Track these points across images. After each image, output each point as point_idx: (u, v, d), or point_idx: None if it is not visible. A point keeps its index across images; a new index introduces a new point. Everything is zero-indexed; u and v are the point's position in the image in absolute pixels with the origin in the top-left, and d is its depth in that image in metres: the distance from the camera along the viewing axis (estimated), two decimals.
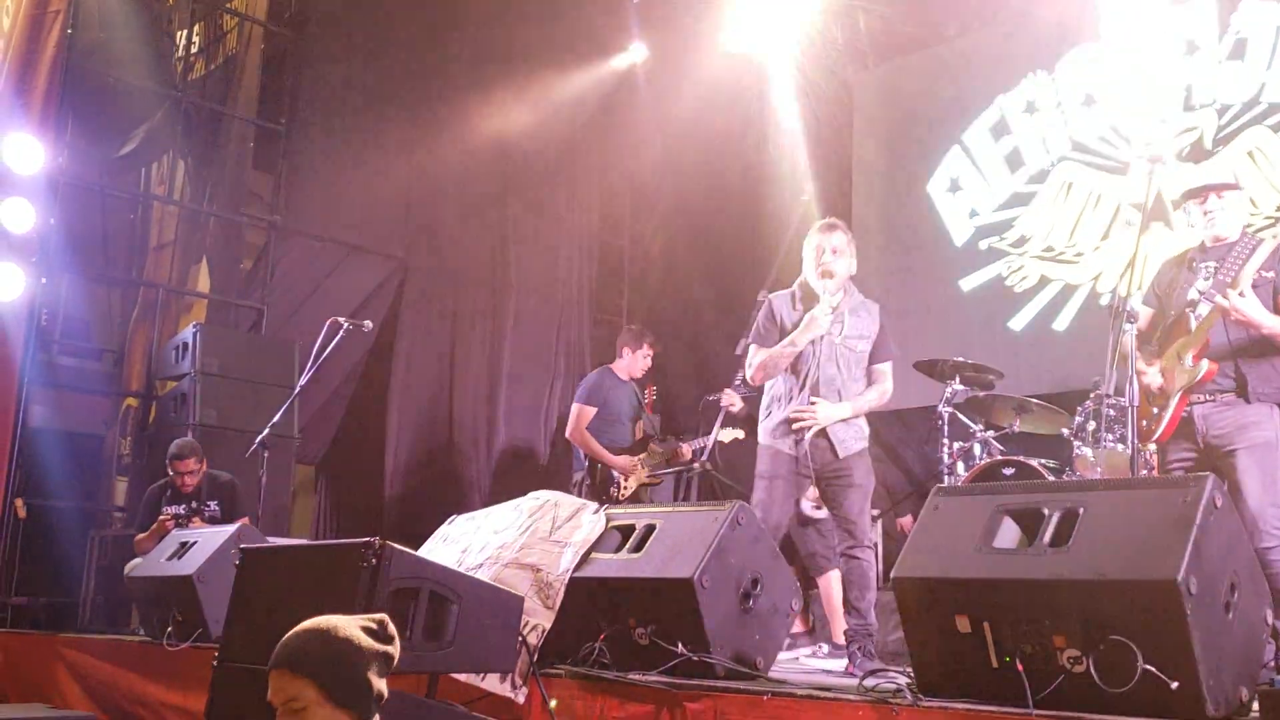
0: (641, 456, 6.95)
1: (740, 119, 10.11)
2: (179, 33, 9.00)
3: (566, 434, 7.36)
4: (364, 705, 2.13)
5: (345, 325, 6.34)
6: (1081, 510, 2.86)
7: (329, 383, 8.77)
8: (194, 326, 7.61)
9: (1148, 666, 2.57)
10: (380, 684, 2.15)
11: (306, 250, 8.90)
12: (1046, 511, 2.93)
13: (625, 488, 6.90)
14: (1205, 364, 3.98)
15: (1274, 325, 3.94)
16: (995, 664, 2.86)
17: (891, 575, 3.06)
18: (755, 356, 4.88)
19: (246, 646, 3.22)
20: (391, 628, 2.19)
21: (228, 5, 9.04)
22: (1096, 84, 8.03)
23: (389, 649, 2.17)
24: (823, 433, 4.63)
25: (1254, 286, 3.98)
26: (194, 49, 8.94)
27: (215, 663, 3.26)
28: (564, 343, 10.32)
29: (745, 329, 5.93)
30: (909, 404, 8.22)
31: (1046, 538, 2.87)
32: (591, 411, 7.04)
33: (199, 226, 8.61)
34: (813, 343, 4.67)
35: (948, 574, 2.98)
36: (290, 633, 2.16)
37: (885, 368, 4.82)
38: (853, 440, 4.69)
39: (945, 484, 6.54)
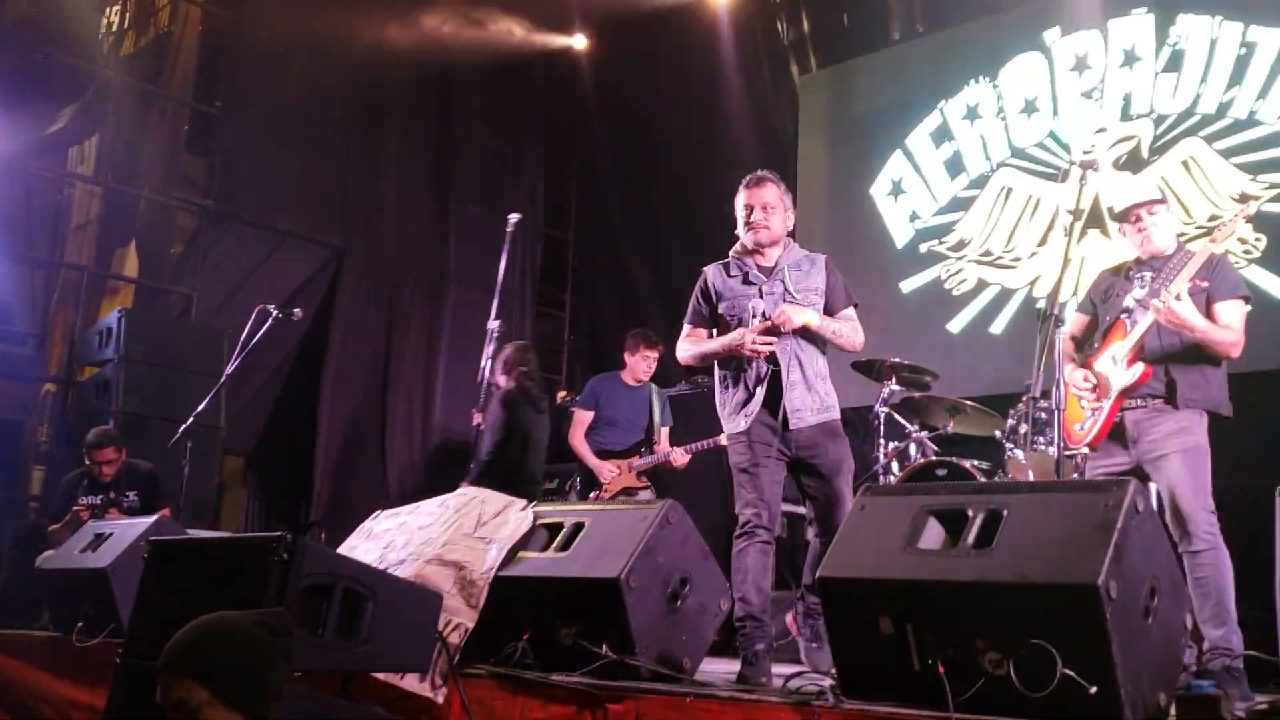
0: (633, 460, 6.86)
1: (686, 114, 10.11)
2: (109, 8, 8.78)
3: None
4: (259, 704, 2.05)
5: (274, 313, 6.21)
6: (1005, 512, 2.84)
7: (260, 373, 8.61)
8: (119, 312, 7.42)
9: (1067, 670, 2.55)
10: (277, 682, 2.07)
11: (240, 236, 8.72)
12: (970, 513, 2.90)
13: (607, 489, 6.83)
14: (1140, 367, 4.00)
15: (1206, 329, 3.96)
16: (917, 666, 2.83)
17: (816, 576, 3.02)
18: (684, 340, 4.57)
19: (153, 644, 3.10)
20: (288, 622, 2.11)
21: None
22: (1037, 92, 8.09)
23: (285, 645, 2.09)
24: (782, 409, 4.18)
25: (1189, 294, 4.00)
26: (125, 24, 8.70)
27: (118, 660, 3.14)
28: (504, 336, 10.17)
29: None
30: (846, 404, 8.23)
31: (970, 539, 2.85)
32: (586, 415, 7.01)
33: (125, 208, 8.40)
34: (756, 308, 4.30)
35: (872, 574, 2.94)
36: (181, 632, 2.08)
37: (848, 312, 4.41)
38: (808, 413, 4.22)
39: (875, 483, 6.56)
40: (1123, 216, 4.36)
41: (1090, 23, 7.84)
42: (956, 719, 2.65)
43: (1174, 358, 4.04)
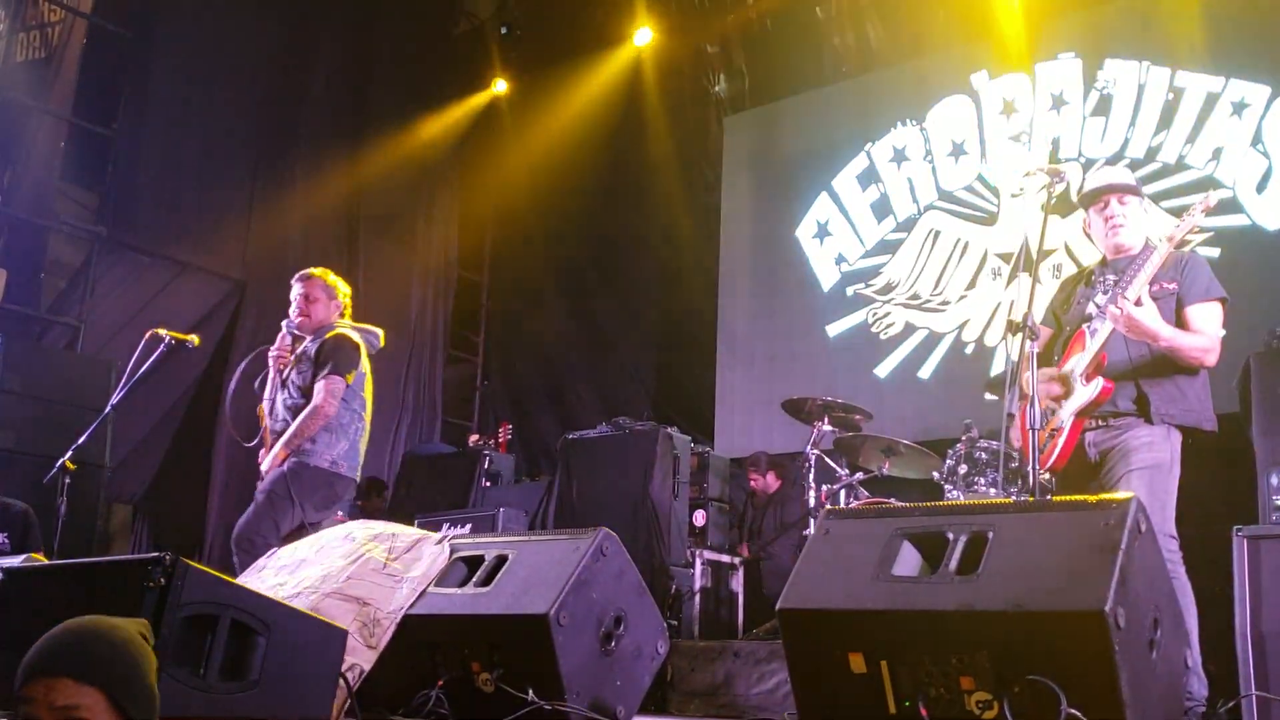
0: None
1: (609, 156, 9.87)
2: None
3: None
4: (150, 717, 1.82)
5: (167, 339, 5.69)
6: (991, 534, 2.54)
7: (152, 413, 8.06)
8: None
9: (1072, 710, 2.24)
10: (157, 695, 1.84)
11: (135, 265, 8.19)
12: (951, 536, 2.59)
13: None
14: (1099, 383, 3.66)
15: (1171, 337, 3.61)
16: (893, 709, 2.50)
17: (777, 607, 2.68)
18: None
19: (6, 681, 2.65)
20: (151, 633, 1.88)
21: None
22: (965, 135, 8.01)
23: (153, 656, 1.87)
24: None
25: (1154, 299, 3.66)
26: (11, 35, 8.17)
27: None
28: (414, 378, 9.78)
29: None
30: (773, 448, 7.99)
31: (953, 564, 2.53)
32: None
33: None
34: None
35: (840, 605, 2.61)
36: (61, 633, 1.80)
37: (318, 385, 4.90)
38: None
39: (812, 528, 6.27)
40: (1089, 201, 4.01)
41: (1017, 66, 7.80)
42: None
43: (1144, 370, 3.69)
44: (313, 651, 2.73)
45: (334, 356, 4.95)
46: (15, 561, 4.63)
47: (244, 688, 2.55)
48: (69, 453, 5.74)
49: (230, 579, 2.61)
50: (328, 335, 5.04)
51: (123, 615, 2.47)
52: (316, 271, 5.27)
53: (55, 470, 5.74)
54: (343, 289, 5.29)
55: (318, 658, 2.74)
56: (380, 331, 5.33)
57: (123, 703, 1.78)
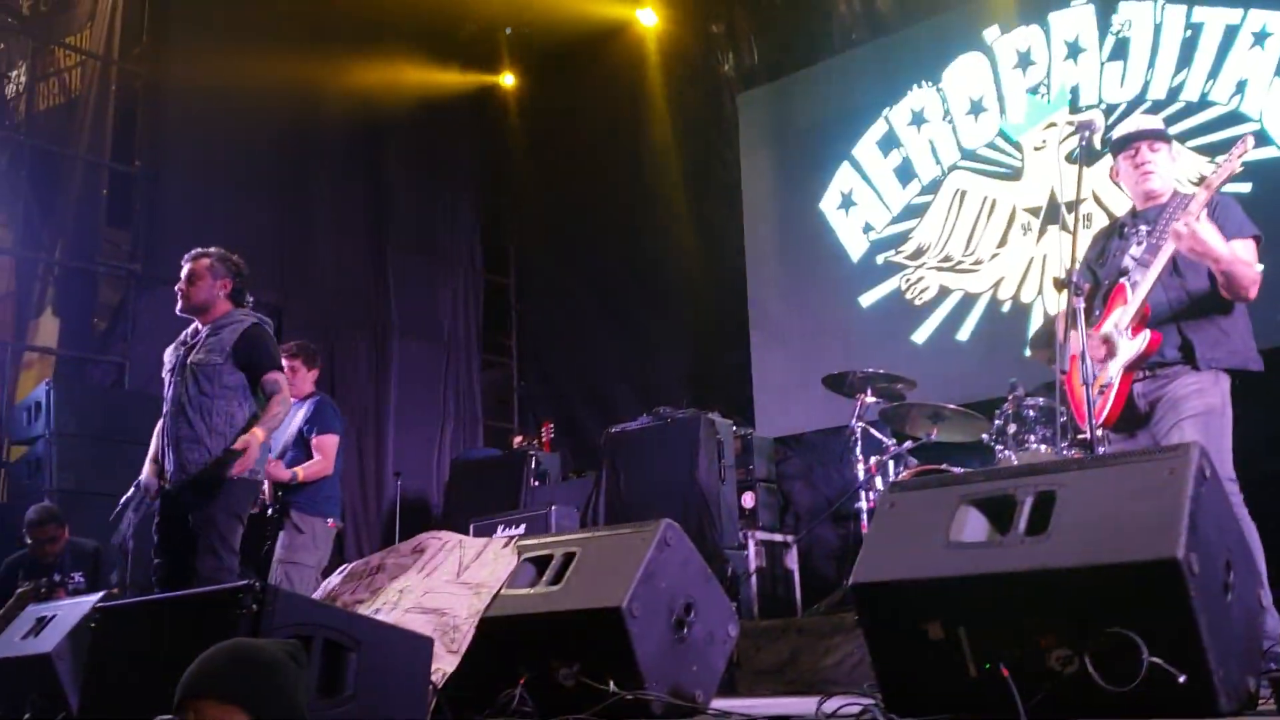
0: None
1: (621, 144, 9.92)
2: (12, 71, 8.40)
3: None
4: None
5: None
6: (1057, 493, 2.57)
7: None
8: (46, 384, 6.96)
9: (1154, 659, 2.27)
10: (306, 714, 1.96)
11: (171, 299, 8.27)
12: (1018, 497, 2.62)
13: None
14: (1146, 335, 3.67)
15: (1231, 257, 3.57)
16: (974, 673, 2.53)
17: (850, 582, 2.72)
18: None
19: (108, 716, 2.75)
20: (304, 654, 2.05)
21: (65, 40, 8.45)
22: (982, 92, 7.98)
23: (305, 677, 2.01)
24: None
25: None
26: (32, 85, 8.32)
27: None
28: (452, 386, 9.87)
29: None
30: (815, 426, 8.02)
31: (1021, 526, 2.56)
32: None
33: (40, 278, 7.96)
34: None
35: (913, 575, 2.65)
36: (207, 657, 1.93)
37: (267, 382, 4.59)
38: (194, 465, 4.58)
39: (863, 501, 6.31)
40: (1119, 148, 4.02)
41: (1030, 18, 7.77)
42: None
43: (1184, 314, 3.71)
44: (402, 662, 2.80)
45: (262, 351, 4.66)
46: (94, 599, 4.75)
47: (341, 703, 2.62)
48: (130, 490, 5.86)
49: (319, 601, 2.69)
50: (246, 329, 4.69)
51: (217, 643, 2.57)
52: (211, 250, 4.89)
53: (119, 508, 5.86)
54: (235, 262, 4.88)
55: (408, 667, 2.82)
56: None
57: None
